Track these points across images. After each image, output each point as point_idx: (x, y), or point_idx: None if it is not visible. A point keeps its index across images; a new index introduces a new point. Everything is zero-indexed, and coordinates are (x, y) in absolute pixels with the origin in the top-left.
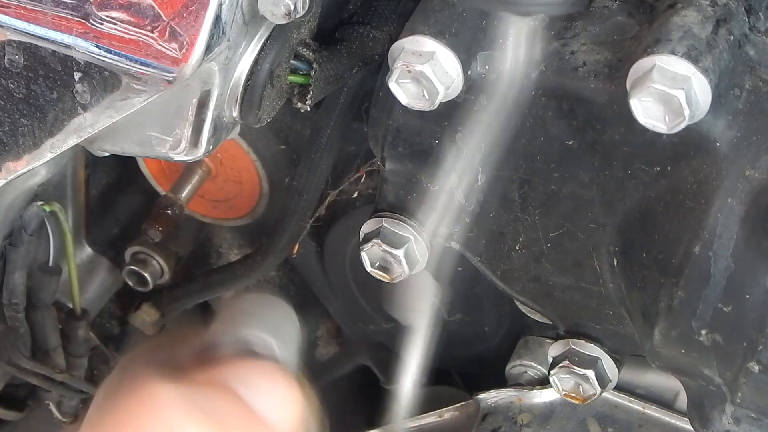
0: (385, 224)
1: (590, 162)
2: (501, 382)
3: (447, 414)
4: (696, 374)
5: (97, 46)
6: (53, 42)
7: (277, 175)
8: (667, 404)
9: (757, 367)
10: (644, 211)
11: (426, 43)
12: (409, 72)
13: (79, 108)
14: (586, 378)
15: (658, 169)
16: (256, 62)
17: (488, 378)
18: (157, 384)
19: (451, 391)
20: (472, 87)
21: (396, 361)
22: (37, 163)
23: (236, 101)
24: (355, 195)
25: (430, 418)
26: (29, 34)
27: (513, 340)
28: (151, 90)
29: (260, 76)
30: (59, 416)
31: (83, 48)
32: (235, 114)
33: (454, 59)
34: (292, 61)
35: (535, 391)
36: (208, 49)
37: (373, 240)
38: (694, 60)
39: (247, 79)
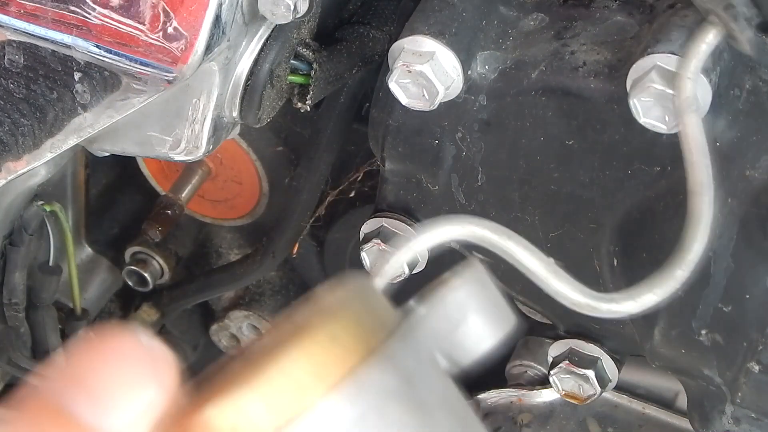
0: (385, 224)
1: (590, 162)
2: (501, 382)
3: None
4: (696, 374)
5: (97, 46)
6: (53, 42)
7: (277, 175)
8: (667, 404)
9: (757, 367)
10: (644, 211)
11: (426, 43)
12: (409, 72)
13: (79, 108)
14: (586, 378)
15: (658, 169)
16: (256, 62)
17: (488, 378)
18: None
19: None
20: (472, 87)
21: None
22: (37, 163)
23: (236, 101)
24: (355, 195)
25: None
26: (29, 34)
27: (513, 340)
28: (151, 90)
29: (260, 76)
30: None
31: (83, 48)
32: (235, 114)
33: (454, 59)
34: (292, 61)
35: (535, 391)
36: (208, 49)
37: (373, 240)
38: None
39: (247, 79)
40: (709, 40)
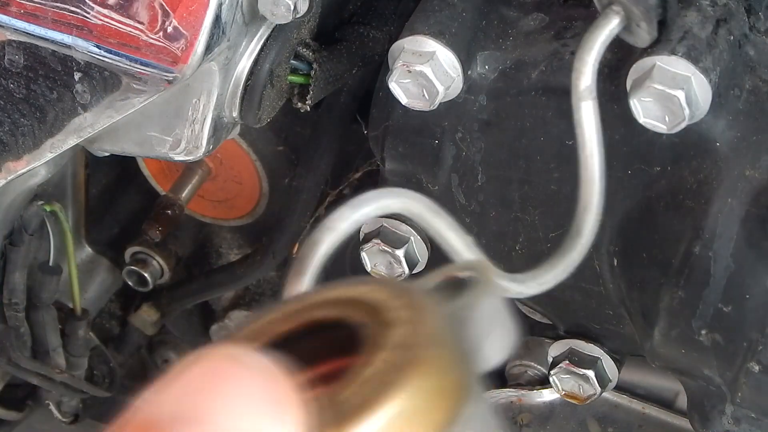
0: (385, 224)
1: None
2: (501, 382)
3: None
4: (696, 374)
5: (97, 46)
6: (53, 42)
7: (277, 175)
8: (667, 404)
9: (757, 367)
10: (644, 211)
11: (426, 43)
12: (409, 72)
13: (79, 108)
14: (586, 378)
15: (658, 169)
16: (256, 62)
17: (488, 378)
18: None
19: None
20: (472, 87)
21: None
22: (37, 163)
23: (236, 101)
24: (355, 195)
25: None
26: (29, 34)
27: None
28: (151, 90)
29: (260, 76)
30: (59, 416)
31: (83, 48)
32: (235, 114)
33: (454, 59)
34: (292, 61)
35: (535, 391)
36: (208, 49)
37: (373, 240)
38: (694, 60)
39: (247, 79)
40: (610, 28)
